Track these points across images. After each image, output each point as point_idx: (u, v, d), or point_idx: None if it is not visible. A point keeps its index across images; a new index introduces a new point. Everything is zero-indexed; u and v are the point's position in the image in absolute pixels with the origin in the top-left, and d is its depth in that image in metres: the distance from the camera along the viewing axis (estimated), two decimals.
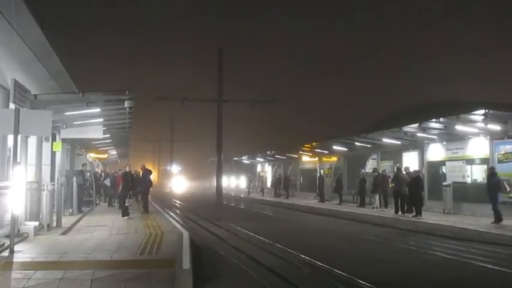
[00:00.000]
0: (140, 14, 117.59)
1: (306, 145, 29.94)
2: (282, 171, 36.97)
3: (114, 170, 27.97)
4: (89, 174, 20.93)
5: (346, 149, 26.64)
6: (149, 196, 19.86)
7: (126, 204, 16.07)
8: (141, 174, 19.86)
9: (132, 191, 18.72)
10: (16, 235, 9.61)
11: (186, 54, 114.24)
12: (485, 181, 16.07)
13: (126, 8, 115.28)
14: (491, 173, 15.00)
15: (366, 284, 7.37)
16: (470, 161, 17.94)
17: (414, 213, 16.76)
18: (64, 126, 15.58)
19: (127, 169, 18.17)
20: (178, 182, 65.23)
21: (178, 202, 32.85)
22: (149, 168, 19.37)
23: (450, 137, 18.67)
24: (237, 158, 47.22)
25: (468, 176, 18.05)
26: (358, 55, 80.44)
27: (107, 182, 22.61)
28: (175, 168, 69.06)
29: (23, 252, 8.62)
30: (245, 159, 46.06)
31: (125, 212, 15.79)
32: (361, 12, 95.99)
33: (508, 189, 15.05)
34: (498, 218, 14.38)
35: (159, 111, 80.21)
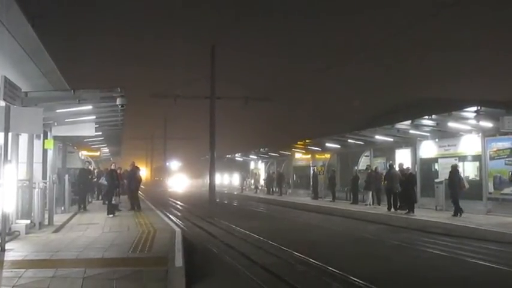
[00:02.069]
0: (132, 12, 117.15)
1: (299, 142, 29.94)
2: (275, 169, 36.99)
3: (106, 167, 27.81)
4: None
5: (339, 146, 26.66)
6: (140, 193, 19.83)
7: (113, 202, 15.97)
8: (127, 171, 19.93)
9: (118, 188, 18.65)
10: (7, 233, 9.55)
11: (179, 51, 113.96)
12: (477, 178, 17.03)
13: (117, 5, 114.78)
14: (454, 170, 15.99)
15: (359, 281, 7.38)
16: (462, 158, 17.98)
17: (407, 210, 16.81)
18: (56, 124, 15.47)
19: (112, 167, 18.13)
20: (174, 180, 63.02)
21: (172, 200, 32.78)
22: (138, 166, 19.46)
23: (442, 134, 18.71)
24: (230, 156, 47.15)
25: (460, 173, 18.08)
26: (352, 53, 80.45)
27: (103, 181, 22.49)
28: (170, 166, 66.81)
29: (14, 251, 8.57)
30: (238, 157, 46.02)
31: (111, 210, 15.73)
32: (356, 9, 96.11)
33: (467, 186, 16.01)
34: (457, 211, 15.54)
35: (152, 109, 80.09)
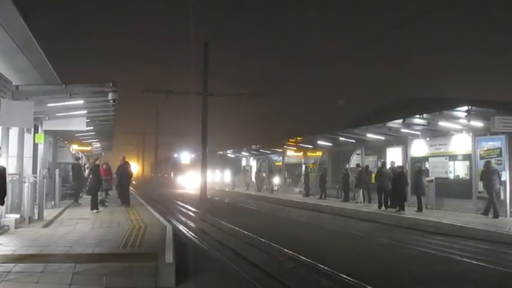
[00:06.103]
0: (125, 7, 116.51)
1: (291, 140, 29.96)
2: (267, 166, 36.99)
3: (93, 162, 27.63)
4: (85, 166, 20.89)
5: (330, 144, 26.72)
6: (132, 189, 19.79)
7: (99, 198, 15.90)
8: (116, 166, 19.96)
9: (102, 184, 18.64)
10: None
11: (172, 47, 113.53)
12: (467, 177, 17.29)
13: (110, 0, 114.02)
14: (418, 171, 17.41)
15: (349, 278, 7.41)
16: (453, 157, 18.11)
17: (397, 208, 16.90)
18: (47, 118, 15.35)
19: (96, 162, 18.09)
20: (185, 177, 46.28)
21: (164, 196, 32.72)
22: (128, 161, 19.50)
23: (433, 133, 18.81)
24: (222, 152, 47.05)
25: (451, 172, 18.24)
26: (344, 51, 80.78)
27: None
28: (180, 158, 49.70)
29: (3, 245, 8.52)
30: (230, 153, 45.94)
31: (95, 206, 15.68)
32: (348, 7, 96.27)
33: (428, 185, 17.64)
34: (420, 208, 16.80)
35: (145, 105, 79.91)
